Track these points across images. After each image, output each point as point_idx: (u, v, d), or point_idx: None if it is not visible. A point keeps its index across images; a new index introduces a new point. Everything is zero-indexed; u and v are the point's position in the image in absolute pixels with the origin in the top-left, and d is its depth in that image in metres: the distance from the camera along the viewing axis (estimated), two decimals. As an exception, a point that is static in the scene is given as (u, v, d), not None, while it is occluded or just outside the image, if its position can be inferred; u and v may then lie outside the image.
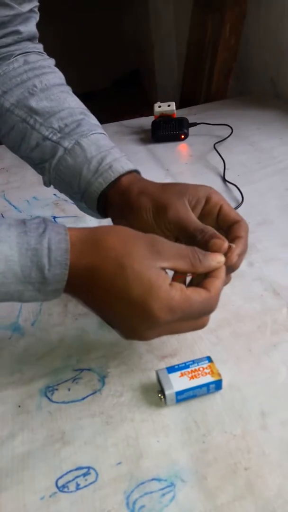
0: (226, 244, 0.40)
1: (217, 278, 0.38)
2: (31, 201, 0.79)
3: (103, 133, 0.52)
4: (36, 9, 0.55)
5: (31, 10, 0.53)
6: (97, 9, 2.66)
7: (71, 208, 0.75)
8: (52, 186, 0.55)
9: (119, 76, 2.91)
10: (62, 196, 0.78)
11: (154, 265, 0.36)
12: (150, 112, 1.02)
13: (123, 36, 2.77)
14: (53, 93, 0.53)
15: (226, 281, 0.42)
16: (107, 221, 0.52)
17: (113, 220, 0.50)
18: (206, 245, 0.40)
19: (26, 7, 0.52)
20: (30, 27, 0.55)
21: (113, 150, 0.50)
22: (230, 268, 0.41)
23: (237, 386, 0.42)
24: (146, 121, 1.04)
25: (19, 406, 0.42)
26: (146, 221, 0.44)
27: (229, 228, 0.44)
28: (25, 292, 0.36)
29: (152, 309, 0.35)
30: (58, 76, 0.56)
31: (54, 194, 0.79)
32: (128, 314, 0.36)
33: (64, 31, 2.57)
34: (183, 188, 0.45)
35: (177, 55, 1.98)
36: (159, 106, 0.99)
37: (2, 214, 0.76)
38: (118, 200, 0.47)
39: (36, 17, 0.55)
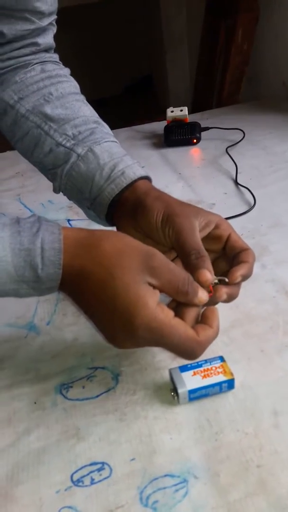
0: (211, 279, 0.40)
1: (211, 328, 0.38)
2: (46, 204, 0.80)
3: (116, 141, 0.53)
4: (54, 22, 0.56)
5: (49, 24, 0.55)
6: (109, 16, 2.69)
7: (85, 211, 0.76)
8: (61, 192, 0.55)
9: (132, 82, 2.93)
10: (76, 199, 0.80)
11: (144, 280, 0.36)
12: (162, 117, 1.03)
13: (135, 42, 2.80)
14: (68, 101, 0.54)
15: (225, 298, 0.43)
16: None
17: (119, 222, 0.50)
18: (194, 269, 0.40)
19: (45, 22, 0.54)
20: (47, 39, 0.56)
21: (125, 157, 0.51)
22: (231, 296, 0.42)
23: (249, 385, 0.42)
24: (158, 126, 1.05)
25: (35, 403, 0.43)
26: (153, 223, 0.45)
27: (236, 255, 0.44)
28: (21, 290, 0.38)
29: (133, 323, 0.35)
30: (73, 85, 0.57)
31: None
32: (110, 321, 0.37)
33: (77, 38, 2.60)
34: (197, 209, 0.46)
35: (189, 61, 2.00)
36: (172, 111, 1.00)
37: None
38: (132, 201, 0.47)
39: (53, 30, 0.57)
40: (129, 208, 0.48)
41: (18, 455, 0.39)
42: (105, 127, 0.55)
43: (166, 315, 0.36)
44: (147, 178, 0.51)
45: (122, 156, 0.51)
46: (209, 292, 0.40)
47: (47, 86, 0.55)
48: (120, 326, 0.36)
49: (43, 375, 0.46)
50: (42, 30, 0.55)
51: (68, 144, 0.51)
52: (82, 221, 0.73)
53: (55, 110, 0.53)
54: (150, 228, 0.45)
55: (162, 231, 0.44)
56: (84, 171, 0.50)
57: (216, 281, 0.41)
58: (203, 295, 0.39)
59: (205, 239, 0.45)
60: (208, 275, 0.40)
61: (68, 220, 0.74)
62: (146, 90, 2.85)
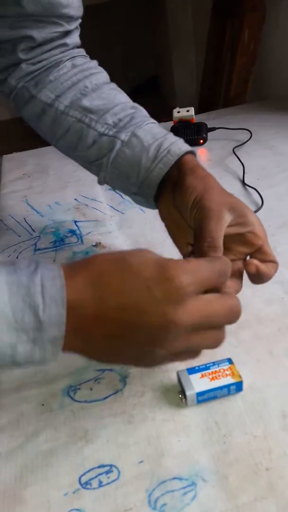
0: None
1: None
2: (53, 206, 0.80)
3: (155, 122, 0.54)
4: (79, 25, 0.58)
5: (76, 27, 0.58)
6: (115, 17, 2.69)
7: (92, 212, 0.76)
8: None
9: (138, 83, 2.94)
10: (83, 200, 0.80)
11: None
12: (168, 117, 1.03)
13: (141, 42, 2.80)
14: (103, 92, 0.55)
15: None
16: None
17: (161, 200, 0.49)
18: (202, 256, 0.39)
19: (73, 26, 0.56)
20: (75, 39, 0.58)
21: (168, 135, 0.51)
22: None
23: (257, 387, 0.42)
24: (165, 126, 1.04)
25: (43, 405, 0.43)
26: (185, 202, 0.43)
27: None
28: (19, 346, 0.31)
29: (171, 313, 0.32)
30: (104, 76, 0.58)
31: (75, 199, 0.80)
32: (142, 331, 0.32)
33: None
34: (238, 204, 0.43)
35: (195, 61, 1.99)
36: (178, 111, 1.00)
37: (25, 218, 0.78)
38: (175, 179, 0.47)
39: (79, 30, 0.59)
40: (173, 184, 0.47)
41: (26, 457, 0.39)
42: (143, 111, 0.55)
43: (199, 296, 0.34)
44: (192, 153, 0.50)
45: (165, 135, 0.51)
46: None
47: (80, 80, 0.55)
48: (157, 324, 0.32)
49: (51, 377, 0.46)
50: (69, 32, 0.57)
51: (110, 133, 0.52)
52: (89, 222, 0.74)
53: (93, 102, 0.53)
54: (183, 207, 0.44)
55: (190, 212, 0.43)
56: (130, 156, 0.50)
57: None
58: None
59: (236, 238, 0.43)
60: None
61: (75, 222, 0.74)
62: (152, 90, 2.85)
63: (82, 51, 0.60)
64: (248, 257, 0.44)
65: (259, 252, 0.44)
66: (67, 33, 0.56)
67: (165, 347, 0.33)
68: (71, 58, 0.57)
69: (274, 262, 0.44)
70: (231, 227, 0.42)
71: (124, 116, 0.52)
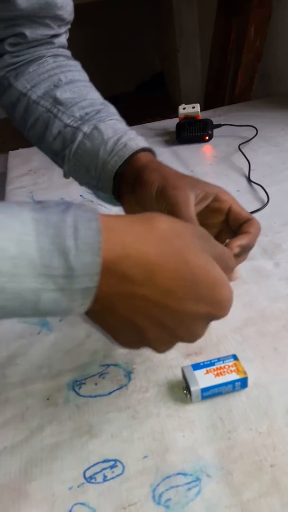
0: None
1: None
2: (58, 201, 0.80)
3: (121, 120, 0.54)
4: (68, 30, 0.60)
5: (65, 31, 0.59)
6: (121, 14, 2.69)
7: (97, 209, 0.76)
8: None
9: (143, 80, 2.93)
10: (89, 197, 0.80)
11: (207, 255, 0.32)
12: (174, 114, 1.03)
13: (147, 39, 2.79)
14: (76, 86, 0.56)
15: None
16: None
17: (123, 197, 0.50)
18: None
19: (63, 29, 0.58)
20: (62, 40, 0.60)
21: (129, 131, 0.51)
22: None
23: (262, 384, 0.42)
24: (170, 123, 1.05)
25: (48, 399, 0.43)
26: (149, 196, 0.44)
27: (239, 226, 0.43)
28: (43, 294, 0.27)
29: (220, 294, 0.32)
30: (82, 75, 0.59)
31: (81, 195, 0.80)
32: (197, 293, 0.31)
33: (88, 36, 2.60)
34: (195, 181, 0.45)
35: (201, 58, 1.99)
36: (184, 108, 1.00)
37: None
38: (132, 175, 0.47)
39: (67, 34, 0.60)
40: (130, 181, 0.48)
41: (31, 451, 0.39)
42: (111, 107, 0.55)
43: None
44: (150, 151, 0.51)
45: (126, 130, 0.51)
46: None
47: (57, 73, 0.56)
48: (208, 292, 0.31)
49: (56, 372, 0.46)
50: (58, 36, 0.58)
51: (75, 125, 0.52)
52: (94, 218, 0.73)
53: (64, 94, 0.54)
54: (147, 202, 0.45)
55: (157, 204, 0.44)
56: (90, 148, 0.51)
57: None
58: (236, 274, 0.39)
59: (205, 212, 0.44)
60: None
61: (80, 218, 0.74)
62: (158, 87, 2.84)
63: (66, 51, 0.61)
64: (227, 241, 0.43)
65: (231, 214, 0.44)
66: (55, 36, 0.58)
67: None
68: (54, 55, 0.58)
69: (249, 219, 0.44)
70: (198, 205, 0.43)
71: (91, 111, 0.53)
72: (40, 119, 0.55)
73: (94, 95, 0.56)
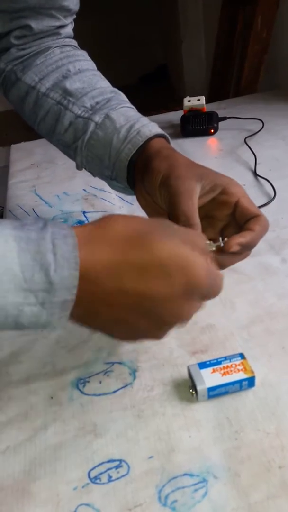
0: None
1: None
2: (62, 196, 0.79)
3: (132, 107, 0.53)
4: (73, 20, 0.59)
5: (71, 21, 0.59)
6: (124, 5, 2.66)
7: (101, 203, 0.75)
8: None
9: (147, 72, 2.90)
10: (92, 191, 0.79)
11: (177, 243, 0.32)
12: (178, 107, 1.01)
13: (150, 31, 2.76)
14: (85, 76, 0.55)
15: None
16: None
17: (136, 186, 0.48)
18: None
19: (68, 20, 0.58)
20: (68, 31, 0.59)
21: (141, 118, 0.50)
22: (221, 265, 0.40)
23: (270, 383, 0.41)
24: (175, 116, 1.03)
25: (51, 398, 0.43)
26: (153, 184, 0.43)
27: (246, 222, 0.42)
28: (25, 308, 0.29)
29: (195, 274, 0.32)
30: (90, 64, 0.58)
31: (84, 190, 0.79)
32: (169, 289, 0.32)
33: (91, 28, 2.58)
34: (204, 172, 0.43)
35: (205, 49, 1.96)
36: (189, 101, 0.98)
37: (33, 208, 0.77)
38: (143, 162, 0.46)
39: (73, 24, 0.60)
40: (141, 169, 0.47)
41: (35, 450, 0.39)
42: (122, 95, 0.54)
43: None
44: (164, 137, 0.49)
45: (138, 117, 0.50)
46: None
47: (65, 64, 0.56)
48: (182, 284, 0.32)
49: (60, 369, 0.45)
50: (64, 26, 0.58)
51: (86, 115, 0.51)
52: (97, 213, 0.73)
53: (74, 85, 0.53)
54: (152, 192, 0.44)
55: (159, 195, 0.43)
56: (102, 138, 0.50)
57: (213, 248, 0.39)
58: None
59: (212, 204, 0.43)
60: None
61: (84, 212, 0.73)
62: (162, 79, 2.82)
63: (73, 41, 0.60)
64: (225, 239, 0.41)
65: (238, 209, 0.43)
66: (62, 27, 0.57)
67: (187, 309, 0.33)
68: (61, 46, 0.57)
69: (256, 215, 0.42)
70: (204, 196, 0.42)
71: (102, 99, 0.52)
72: (50, 111, 0.54)
73: (103, 84, 0.55)
